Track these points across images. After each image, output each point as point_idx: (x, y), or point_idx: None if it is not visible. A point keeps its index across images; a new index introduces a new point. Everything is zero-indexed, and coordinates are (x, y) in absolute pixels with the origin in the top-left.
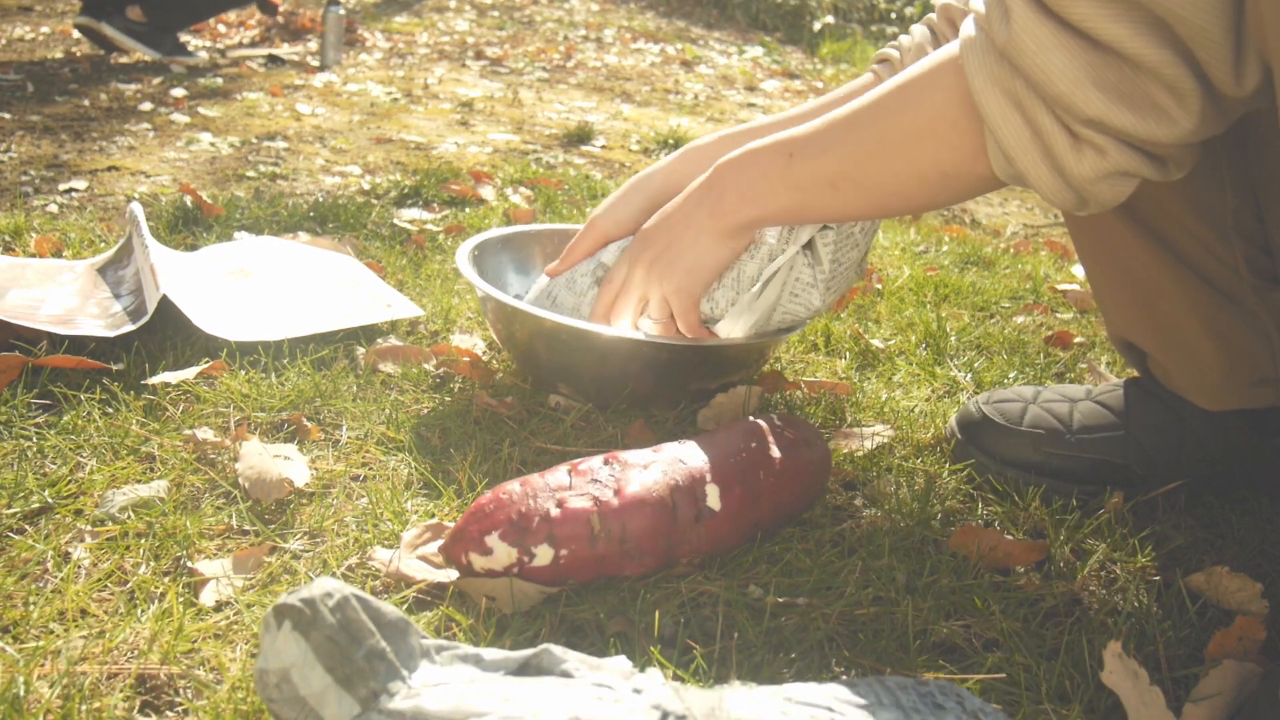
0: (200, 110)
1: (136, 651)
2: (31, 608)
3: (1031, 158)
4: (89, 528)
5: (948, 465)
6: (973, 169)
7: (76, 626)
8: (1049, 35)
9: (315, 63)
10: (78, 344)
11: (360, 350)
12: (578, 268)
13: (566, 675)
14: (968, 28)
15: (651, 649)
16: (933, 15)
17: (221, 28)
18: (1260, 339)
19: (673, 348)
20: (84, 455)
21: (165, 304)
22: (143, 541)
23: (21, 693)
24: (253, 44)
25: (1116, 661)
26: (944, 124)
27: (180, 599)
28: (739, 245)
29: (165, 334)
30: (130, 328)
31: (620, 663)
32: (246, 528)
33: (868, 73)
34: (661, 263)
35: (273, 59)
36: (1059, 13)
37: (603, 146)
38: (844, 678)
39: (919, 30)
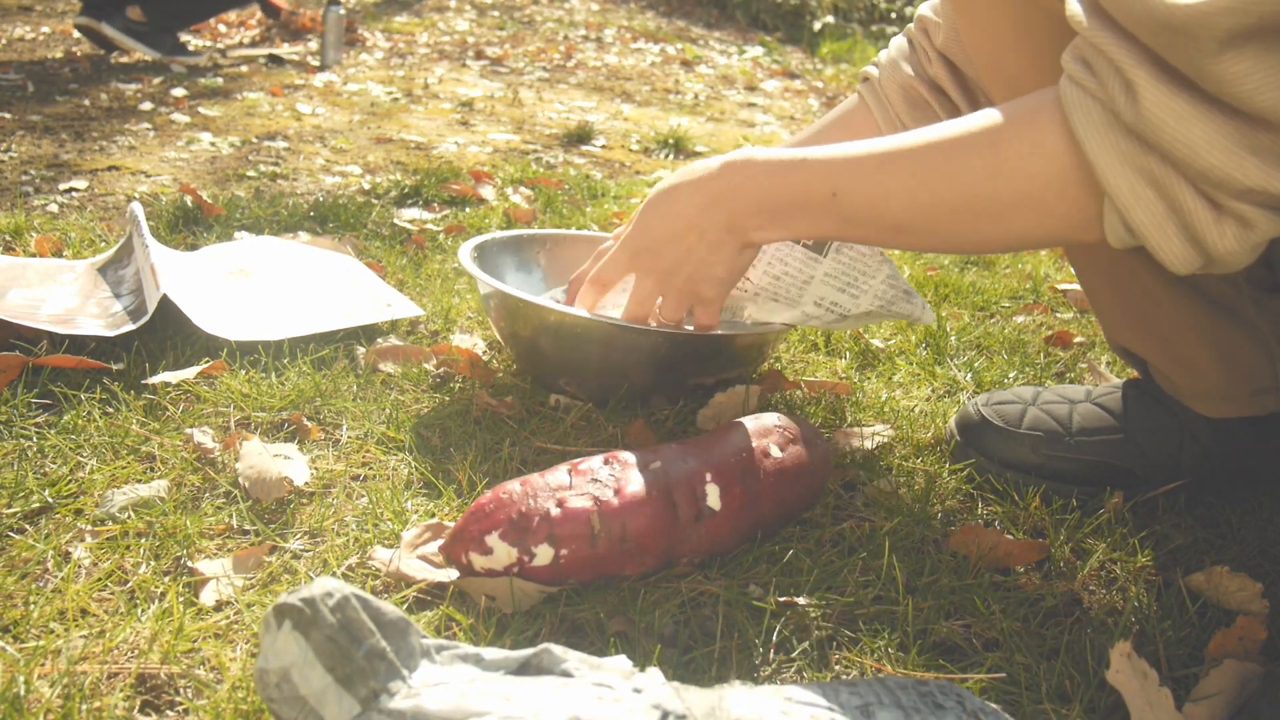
0: (200, 110)
1: (137, 651)
2: (32, 607)
3: (1165, 234)
4: (89, 527)
5: (948, 465)
6: (1080, 236)
7: (77, 626)
8: (1186, 107)
9: (315, 62)
10: (78, 343)
11: (360, 350)
12: None
13: (567, 675)
14: (1068, 90)
15: (652, 648)
16: (911, 26)
17: (222, 28)
18: (1259, 349)
19: (674, 339)
20: (84, 455)
21: (165, 304)
22: (143, 541)
23: (22, 692)
24: (253, 44)
25: (1124, 661)
26: (1050, 194)
27: (180, 598)
28: (759, 249)
29: (165, 334)
30: (130, 327)
31: (620, 662)
32: (247, 527)
33: (854, 95)
34: (680, 277)
35: (273, 59)
36: (1198, 82)
37: (603, 146)
38: (844, 678)
39: (896, 44)
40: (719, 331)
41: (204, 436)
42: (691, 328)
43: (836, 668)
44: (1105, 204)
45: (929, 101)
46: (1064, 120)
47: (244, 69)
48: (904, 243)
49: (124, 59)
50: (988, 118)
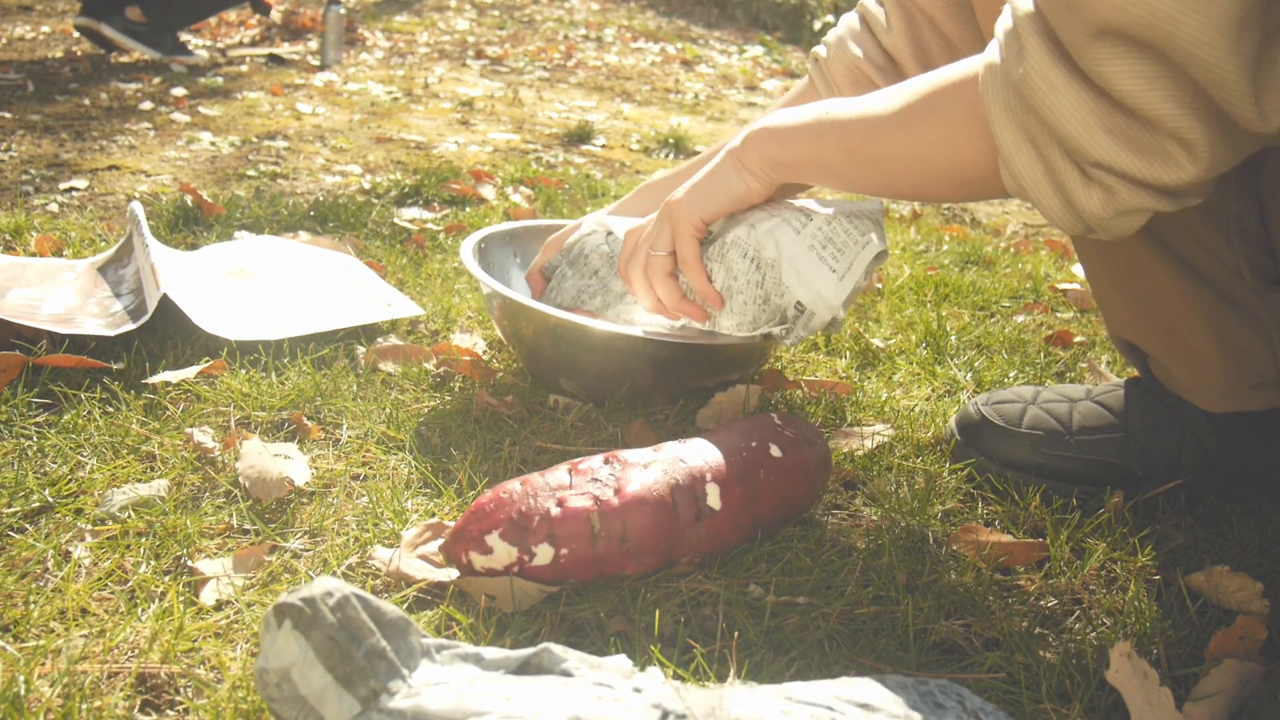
0: (200, 109)
1: (137, 650)
2: (32, 607)
3: (1043, 189)
4: (89, 527)
5: (948, 464)
6: (986, 180)
7: (77, 625)
8: (1060, 79)
9: (315, 62)
10: (78, 343)
11: (360, 349)
12: (585, 243)
13: (567, 674)
14: (991, 52)
15: (652, 648)
16: (867, 2)
17: (222, 27)
18: (1262, 342)
19: (674, 345)
20: (84, 454)
21: (165, 303)
22: (143, 540)
23: (22, 691)
24: (253, 43)
25: (1124, 661)
26: (961, 139)
27: (181, 598)
28: (757, 186)
29: (165, 333)
30: (130, 327)
31: (620, 662)
32: (247, 527)
33: (806, 75)
34: (680, 193)
35: (273, 58)
36: (1074, 58)
37: (603, 146)
38: (844, 677)
39: (847, 22)
40: (718, 340)
41: (204, 436)
42: (692, 323)
43: (836, 668)
44: (999, 156)
45: (875, 83)
46: (980, 78)
47: (244, 68)
48: (854, 174)
49: (124, 58)
50: (949, 71)
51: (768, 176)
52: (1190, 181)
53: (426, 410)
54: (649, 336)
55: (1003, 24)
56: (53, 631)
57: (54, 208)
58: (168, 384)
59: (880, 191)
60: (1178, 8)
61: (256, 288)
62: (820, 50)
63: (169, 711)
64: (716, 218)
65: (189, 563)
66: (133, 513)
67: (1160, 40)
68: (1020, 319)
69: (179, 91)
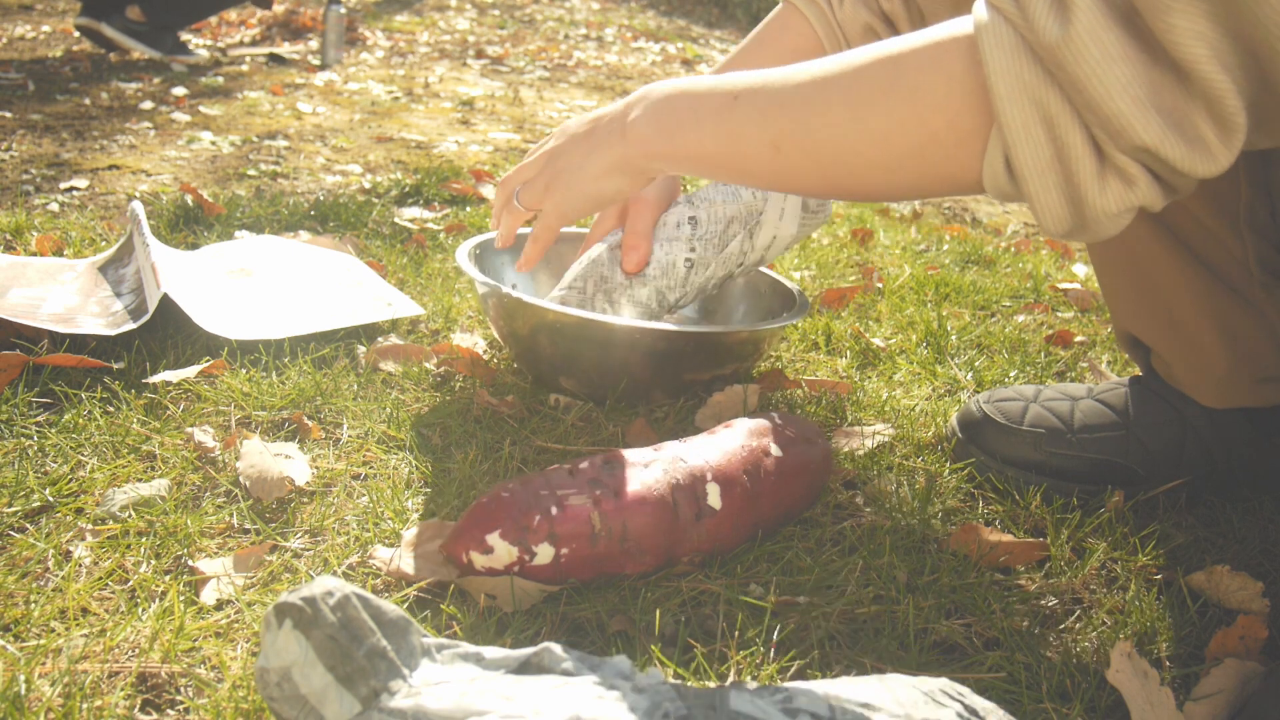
0: (201, 109)
1: (137, 650)
2: (33, 606)
3: (1045, 182)
4: (90, 526)
5: (948, 464)
6: (958, 174)
7: (77, 625)
8: (1116, 43)
9: (316, 61)
10: (79, 343)
11: (361, 349)
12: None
13: (567, 674)
14: (983, 12)
15: (652, 648)
16: None
17: (222, 27)
18: (1267, 336)
19: (671, 335)
20: (85, 454)
21: (166, 302)
22: (144, 540)
23: (23, 691)
24: (253, 43)
25: (1125, 661)
26: (939, 120)
27: (181, 597)
28: (631, 184)
29: (166, 333)
30: (131, 326)
31: (621, 662)
32: (247, 526)
33: (789, 13)
34: (559, 177)
35: (274, 58)
36: (1145, 18)
37: None
38: (845, 677)
39: None
40: (712, 329)
41: (205, 435)
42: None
43: (836, 667)
44: (991, 139)
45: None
46: (972, 43)
47: (244, 68)
48: (777, 170)
49: (125, 58)
50: (891, 45)
51: (648, 173)
52: (1208, 175)
53: (427, 410)
54: (646, 326)
55: None
56: (53, 631)
57: (54, 207)
58: (168, 383)
59: (808, 189)
60: None
61: (257, 287)
62: None
63: (169, 711)
64: (581, 215)
65: (189, 562)
66: (133, 512)
67: (1240, 9)
68: (1021, 318)
69: (179, 91)
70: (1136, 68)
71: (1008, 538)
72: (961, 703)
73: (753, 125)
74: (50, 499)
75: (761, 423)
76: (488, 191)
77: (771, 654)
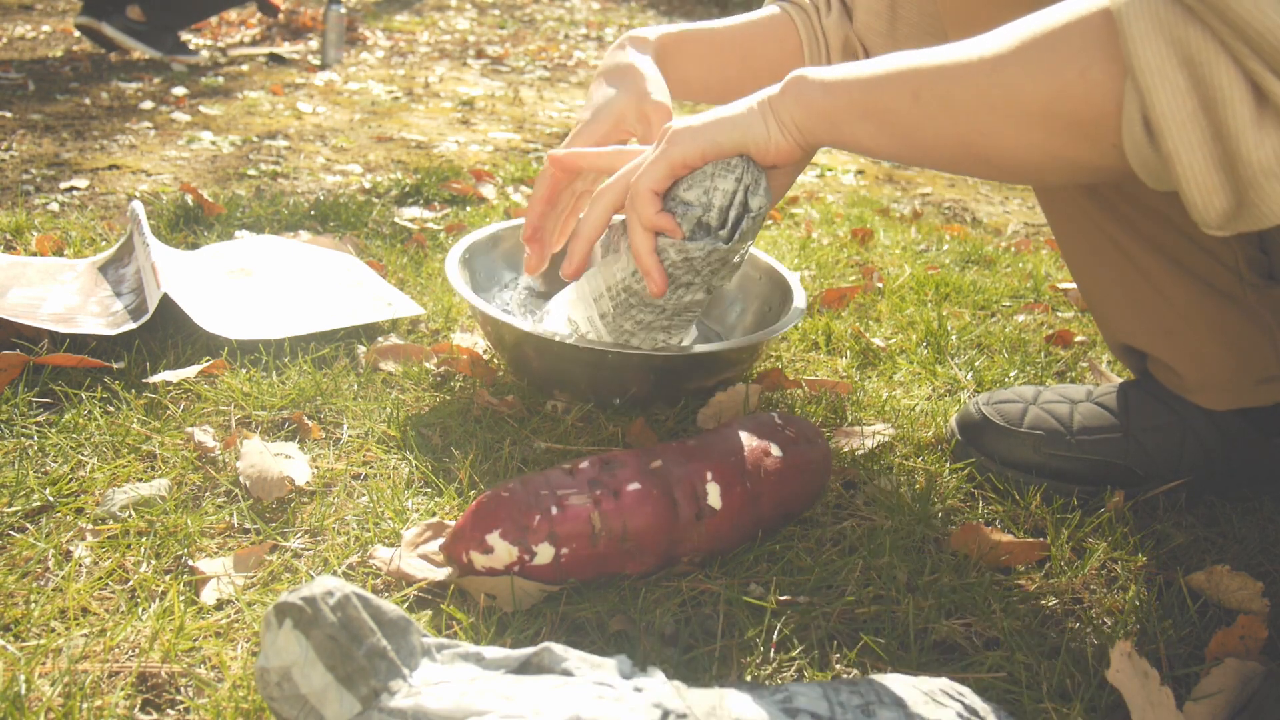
0: (201, 109)
1: (137, 650)
2: (33, 606)
3: (1187, 138)
4: (90, 526)
5: (948, 464)
6: (1093, 135)
7: (78, 625)
8: None
9: (316, 61)
10: (79, 342)
11: (361, 349)
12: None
13: (567, 674)
14: None
15: (652, 648)
16: None
17: (222, 26)
18: (1264, 337)
19: (667, 355)
20: (85, 454)
21: (166, 302)
22: (144, 540)
23: (23, 690)
24: (254, 43)
25: (1125, 661)
26: (1071, 70)
27: (181, 597)
28: (783, 143)
29: (166, 332)
30: (131, 326)
31: (621, 661)
32: (248, 526)
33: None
34: (683, 123)
35: (274, 57)
36: None
37: None
38: (844, 677)
39: None
40: (707, 349)
41: (205, 435)
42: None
43: (836, 667)
44: (1126, 92)
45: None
46: None
47: (245, 68)
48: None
49: (125, 57)
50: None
51: (800, 136)
52: None
53: (427, 410)
54: (632, 350)
55: None
56: (53, 631)
57: (55, 207)
58: (168, 383)
59: (942, 151)
60: None
61: (257, 287)
62: None
63: (170, 711)
64: (717, 157)
65: (190, 562)
66: (133, 512)
67: None
68: (1021, 318)
69: (180, 91)
70: None
71: (1008, 538)
72: (961, 703)
73: (893, 72)
74: (50, 499)
75: (762, 422)
76: (488, 191)
77: (771, 654)
